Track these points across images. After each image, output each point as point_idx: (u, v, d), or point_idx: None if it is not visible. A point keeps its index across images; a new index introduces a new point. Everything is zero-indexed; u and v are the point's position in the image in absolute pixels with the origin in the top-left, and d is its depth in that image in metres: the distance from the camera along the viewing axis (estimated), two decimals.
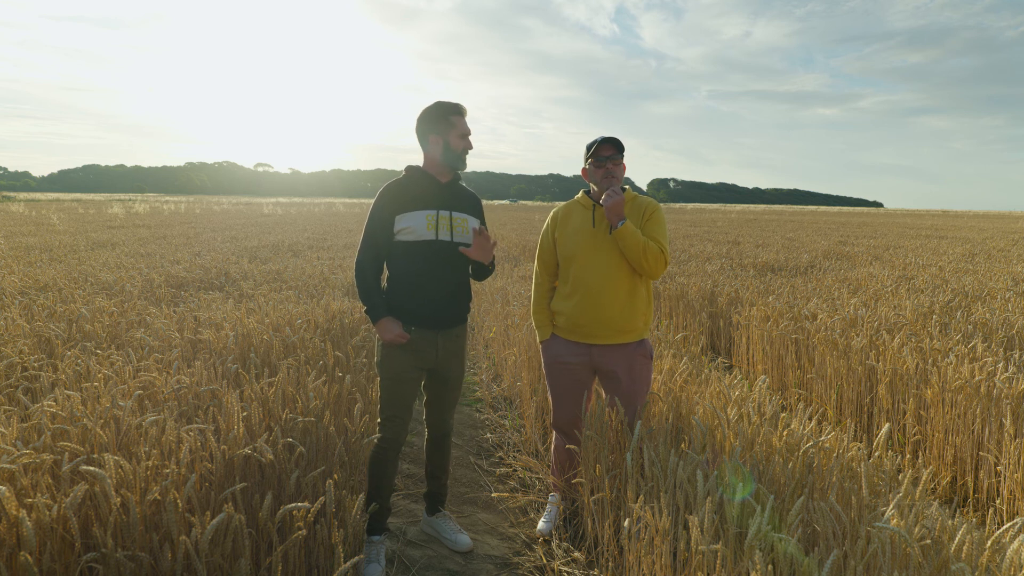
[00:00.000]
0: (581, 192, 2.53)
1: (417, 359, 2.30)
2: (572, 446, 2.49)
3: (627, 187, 2.46)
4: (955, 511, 2.85)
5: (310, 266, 7.73)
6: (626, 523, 1.94)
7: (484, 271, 2.41)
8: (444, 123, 2.24)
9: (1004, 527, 1.60)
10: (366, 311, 2.26)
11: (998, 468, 2.83)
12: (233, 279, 6.56)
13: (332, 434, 2.37)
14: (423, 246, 2.24)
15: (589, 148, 2.40)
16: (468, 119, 2.31)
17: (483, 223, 2.44)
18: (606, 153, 2.37)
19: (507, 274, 7.66)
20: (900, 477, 2.00)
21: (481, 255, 2.27)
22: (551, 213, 2.58)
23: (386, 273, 2.37)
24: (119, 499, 1.68)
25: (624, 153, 2.41)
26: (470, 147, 2.28)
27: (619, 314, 2.39)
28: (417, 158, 2.36)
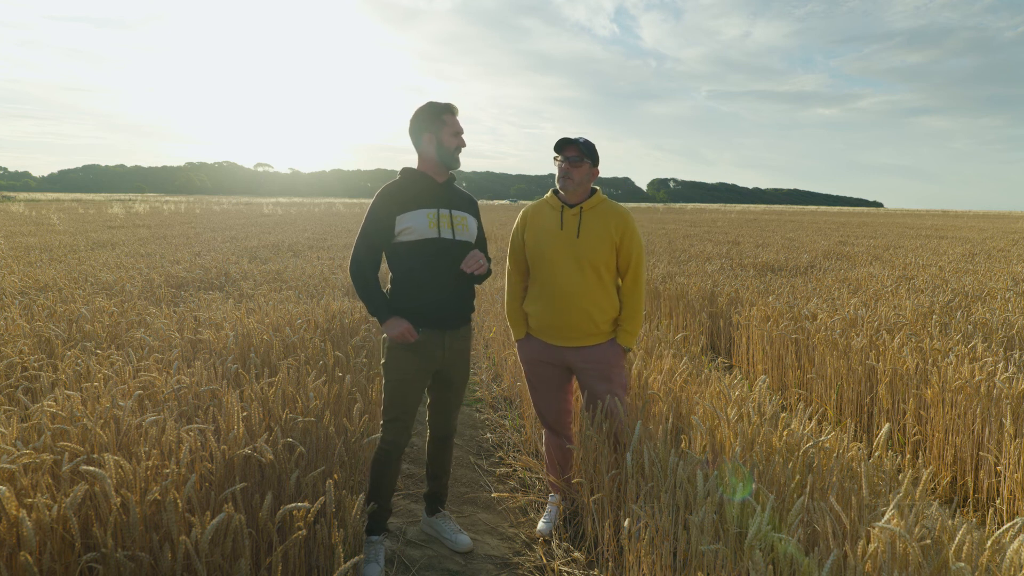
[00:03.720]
0: (550, 191, 2.49)
1: (424, 360, 2.29)
2: (570, 446, 2.49)
3: (597, 188, 2.44)
4: (955, 511, 2.85)
5: (310, 266, 7.73)
6: (626, 523, 1.94)
7: (480, 276, 2.41)
8: (437, 122, 2.25)
9: (1004, 527, 1.60)
10: (372, 312, 2.25)
11: (998, 468, 2.83)
12: (233, 279, 6.56)
13: (332, 434, 2.37)
14: (426, 244, 2.23)
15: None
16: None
17: (480, 224, 2.44)
18: (567, 153, 2.34)
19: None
20: (900, 477, 2.00)
21: (468, 266, 2.25)
22: (521, 212, 2.55)
23: (388, 275, 2.37)
24: (119, 499, 1.68)
25: (592, 159, 2.35)
26: (463, 144, 2.28)
27: (587, 318, 2.37)
28: (415, 159, 2.37)
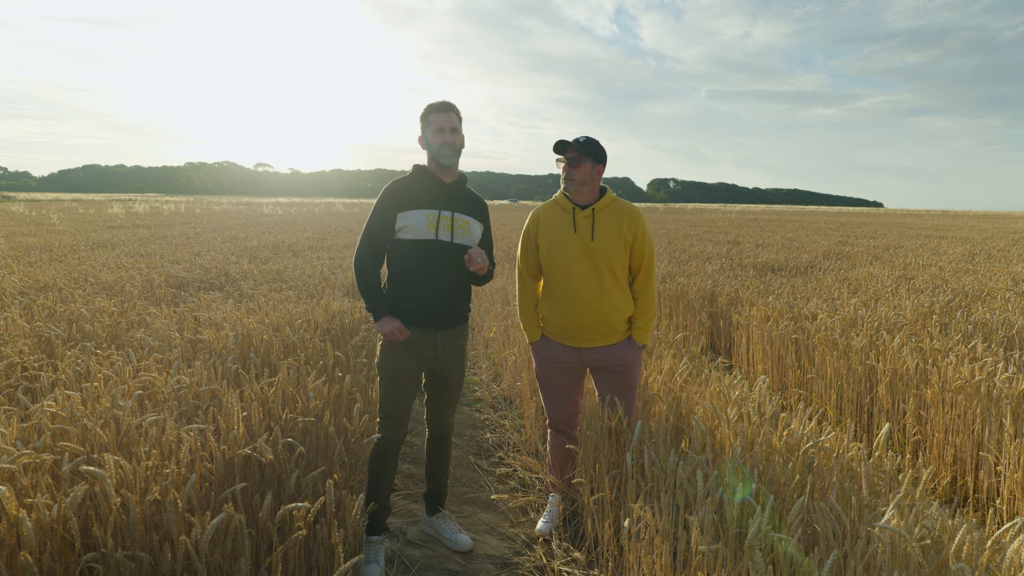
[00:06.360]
0: (560, 191, 2.44)
1: (416, 358, 2.31)
2: (572, 446, 2.48)
3: (607, 187, 2.43)
4: (955, 511, 2.85)
5: (310, 266, 7.73)
6: (626, 523, 1.94)
7: (480, 277, 2.41)
8: (424, 121, 2.29)
9: (1004, 527, 1.60)
10: (367, 308, 2.29)
11: (998, 468, 2.83)
12: (233, 279, 6.56)
13: (332, 434, 2.37)
14: (422, 245, 2.25)
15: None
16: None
17: (487, 228, 2.45)
18: (566, 155, 2.32)
19: (507, 274, 7.65)
20: (900, 477, 2.00)
21: (470, 266, 2.26)
22: (531, 214, 2.52)
23: (387, 272, 2.38)
24: (119, 499, 1.68)
25: (594, 157, 2.30)
26: (447, 141, 2.25)
27: (604, 319, 2.37)
28: (418, 157, 2.40)
